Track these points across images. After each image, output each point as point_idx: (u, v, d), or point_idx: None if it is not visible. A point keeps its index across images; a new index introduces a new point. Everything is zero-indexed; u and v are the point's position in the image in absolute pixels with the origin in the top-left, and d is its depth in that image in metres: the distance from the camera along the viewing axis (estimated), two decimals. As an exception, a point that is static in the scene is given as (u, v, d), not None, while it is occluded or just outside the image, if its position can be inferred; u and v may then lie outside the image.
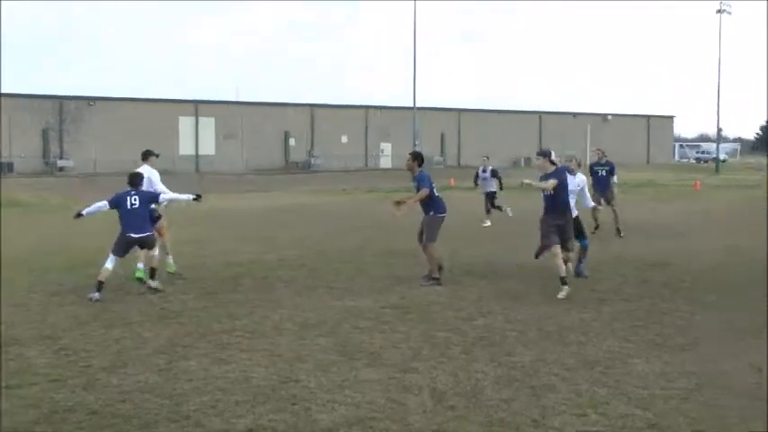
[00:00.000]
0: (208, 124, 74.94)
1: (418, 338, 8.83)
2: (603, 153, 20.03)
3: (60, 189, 43.33)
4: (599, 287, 11.80)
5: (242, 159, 71.73)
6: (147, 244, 11.89)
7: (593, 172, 19.14)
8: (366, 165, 79.80)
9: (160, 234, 12.82)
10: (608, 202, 18.71)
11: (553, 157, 11.75)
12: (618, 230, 18.40)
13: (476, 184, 23.49)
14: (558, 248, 11.34)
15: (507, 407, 6.50)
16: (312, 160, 77.33)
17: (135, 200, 11.76)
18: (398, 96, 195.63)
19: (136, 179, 12.11)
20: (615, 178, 19.37)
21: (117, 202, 11.84)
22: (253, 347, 8.47)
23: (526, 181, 11.74)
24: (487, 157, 23.73)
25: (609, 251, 15.09)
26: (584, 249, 12.93)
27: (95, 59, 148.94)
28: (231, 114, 76.36)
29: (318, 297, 11.29)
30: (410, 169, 12.79)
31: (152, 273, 11.85)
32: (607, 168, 19.20)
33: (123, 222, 11.75)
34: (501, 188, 22.77)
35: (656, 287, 11.87)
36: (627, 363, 7.76)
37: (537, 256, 12.15)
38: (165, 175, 13.99)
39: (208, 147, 74.24)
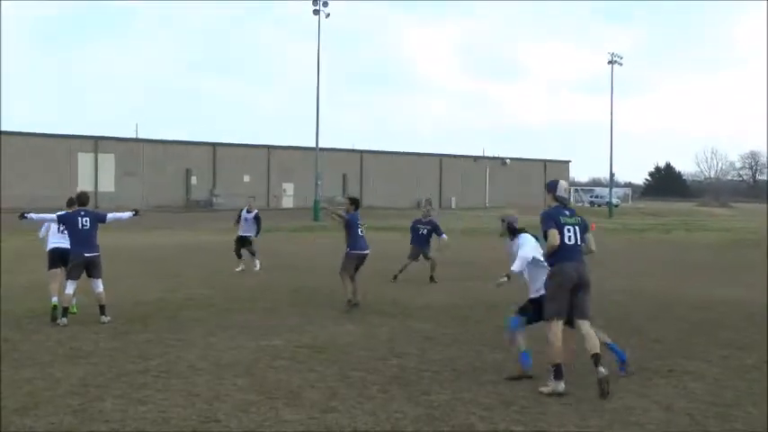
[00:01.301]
0: (107, 161, 73.51)
1: (334, 378, 8.88)
2: (429, 212, 20.02)
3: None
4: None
5: (142, 197, 70.41)
6: (95, 266, 12.33)
7: (413, 229, 19.35)
8: (268, 205, 79.32)
9: None
10: (426, 257, 18.90)
11: (560, 191, 8.85)
12: (431, 278, 18.55)
13: (237, 224, 21.75)
14: (559, 324, 8.50)
15: (429, 445, 6.61)
16: (214, 199, 76.55)
17: (86, 221, 12.24)
18: (302, 136, 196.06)
19: (84, 198, 12.57)
20: (444, 236, 19.22)
21: (67, 220, 12.26)
22: (169, 387, 8.37)
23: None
24: (254, 198, 23.19)
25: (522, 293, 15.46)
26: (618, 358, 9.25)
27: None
28: (131, 151, 75.11)
29: (231, 337, 11.21)
30: (348, 211, 14.53)
31: (102, 309, 12.27)
32: (428, 228, 19.20)
33: (74, 242, 12.18)
34: (257, 234, 21.35)
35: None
36: (541, 402, 7.96)
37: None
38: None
39: (107, 184, 72.66)
